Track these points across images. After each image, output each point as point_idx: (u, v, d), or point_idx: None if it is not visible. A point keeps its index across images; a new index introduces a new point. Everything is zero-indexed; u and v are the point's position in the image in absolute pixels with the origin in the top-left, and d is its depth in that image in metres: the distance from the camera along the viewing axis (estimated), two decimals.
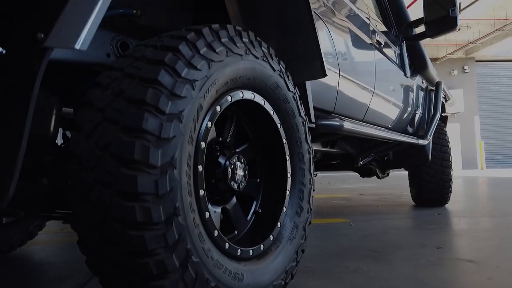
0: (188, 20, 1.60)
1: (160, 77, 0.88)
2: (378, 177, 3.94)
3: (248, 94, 1.19)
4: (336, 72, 1.99)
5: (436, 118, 3.41)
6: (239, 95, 1.15)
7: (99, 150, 0.86)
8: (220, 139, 1.23)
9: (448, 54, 16.45)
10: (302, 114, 1.41)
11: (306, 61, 1.56)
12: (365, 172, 3.99)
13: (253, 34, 1.21)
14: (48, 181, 1.22)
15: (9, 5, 0.71)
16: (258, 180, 1.36)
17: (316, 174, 3.40)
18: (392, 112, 2.96)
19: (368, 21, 2.50)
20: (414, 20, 3.14)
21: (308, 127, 1.45)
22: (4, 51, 0.70)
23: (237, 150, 1.28)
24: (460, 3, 12.67)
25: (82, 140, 0.89)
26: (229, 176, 1.16)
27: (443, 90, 3.82)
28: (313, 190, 1.45)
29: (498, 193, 5.41)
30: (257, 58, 1.19)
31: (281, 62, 1.34)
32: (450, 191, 3.67)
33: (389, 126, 3.05)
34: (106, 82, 0.94)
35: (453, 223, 2.80)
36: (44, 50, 0.63)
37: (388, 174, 4.05)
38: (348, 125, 1.94)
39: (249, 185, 1.28)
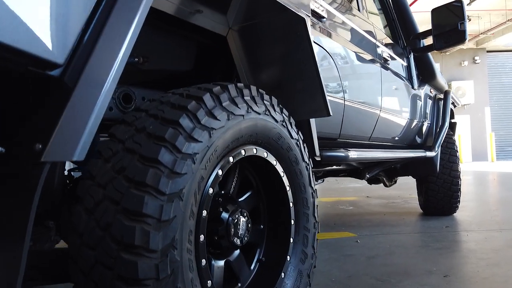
0: (190, 61, 1.59)
1: (160, 156, 0.88)
2: (386, 185, 3.92)
3: (251, 150, 1.18)
4: (341, 101, 1.97)
5: (444, 129, 3.37)
6: (241, 153, 1.14)
7: (100, 230, 0.86)
8: (223, 191, 1.23)
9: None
10: (306, 159, 1.40)
11: (310, 100, 1.55)
12: (372, 180, 3.97)
13: (255, 89, 1.20)
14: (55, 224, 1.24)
15: (9, 109, 0.71)
16: (262, 226, 1.36)
17: (323, 180, 3.39)
18: (399, 126, 2.93)
19: (374, 40, 2.46)
20: (422, 32, 3.08)
21: (313, 170, 1.44)
22: (3, 150, 0.71)
23: (240, 200, 1.28)
24: None
25: (84, 215, 0.89)
26: (232, 232, 1.16)
27: (452, 97, 3.77)
28: (318, 233, 1.45)
29: (508, 196, 5.36)
30: (259, 114, 1.18)
31: (284, 110, 1.33)
32: (459, 201, 3.64)
33: (396, 138, 3.03)
34: (107, 155, 0.94)
35: (461, 241, 2.79)
36: (42, 164, 0.63)
37: (395, 182, 4.02)
38: (353, 154, 1.93)
39: (253, 232, 1.28)
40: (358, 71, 2.22)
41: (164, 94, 1.09)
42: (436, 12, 2.92)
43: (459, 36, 2.77)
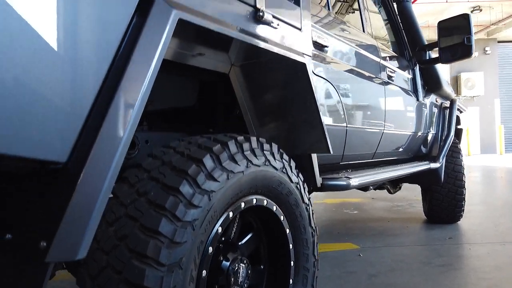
0: (193, 97, 1.61)
1: (161, 227, 0.91)
2: (390, 192, 3.93)
3: (250, 201, 1.21)
4: (343, 127, 1.98)
5: (449, 140, 3.35)
6: (241, 206, 1.17)
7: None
8: (223, 238, 1.26)
9: None
10: (306, 200, 1.42)
11: (310, 138, 1.57)
12: (376, 187, 3.98)
13: (255, 140, 1.22)
14: None
15: (14, 200, 0.74)
16: (262, 266, 1.39)
17: None
18: (403, 140, 2.93)
19: (378, 59, 2.45)
20: (428, 44, 3.06)
21: (312, 212, 1.46)
22: (10, 236, 0.74)
23: (241, 243, 1.31)
24: None
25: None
26: (232, 281, 1.19)
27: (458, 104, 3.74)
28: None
29: None
30: (259, 166, 1.20)
31: (284, 155, 1.34)
32: (463, 210, 3.65)
33: (401, 150, 3.03)
34: (110, 219, 0.97)
35: (463, 256, 2.81)
36: (46, 265, 0.66)
37: (400, 188, 4.03)
38: (355, 182, 1.94)
39: (253, 274, 1.31)
40: (361, 94, 2.22)
41: (166, 149, 1.11)
42: (443, 25, 2.89)
43: (465, 51, 2.75)
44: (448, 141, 3.34)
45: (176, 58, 1.32)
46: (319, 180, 1.73)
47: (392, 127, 2.61)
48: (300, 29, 1.44)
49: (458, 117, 3.91)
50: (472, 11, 14.74)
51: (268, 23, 1.24)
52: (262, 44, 1.21)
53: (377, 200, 5.29)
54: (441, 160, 3.24)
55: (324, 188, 1.82)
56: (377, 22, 3.28)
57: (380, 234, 3.44)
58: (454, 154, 3.61)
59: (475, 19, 15.30)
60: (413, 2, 12.73)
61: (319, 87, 1.76)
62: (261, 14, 1.19)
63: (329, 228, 3.78)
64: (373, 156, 2.52)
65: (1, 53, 0.63)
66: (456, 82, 16.58)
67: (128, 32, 0.84)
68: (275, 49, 1.26)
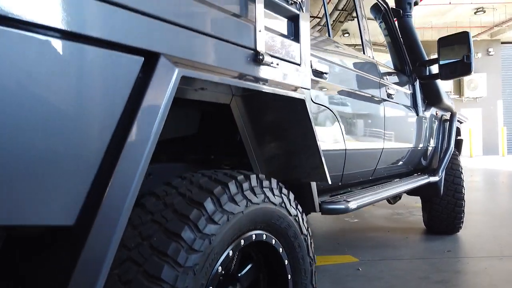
0: (195, 127, 1.65)
1: (164, 274, 0.95)
2: (390, 203, 3.97)
3: (250, 237, 1.25)
4: (342, 151, 2.01)
5: (448, 153, 3.38)
6: (241, 243, 1.21)
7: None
8: (223, 271, 1.30)
9: (472, 37, 15.86)
10: (305, 231, 1.46)
11: (309, 168, 1.60)
12: None
13: (254, 178, 1.25)
14: None
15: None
16: None
17: None
18: (403, 155, 2.97)
19: (377, 79, 2.48)
20: (428, 60, 3.09)
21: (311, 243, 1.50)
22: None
23: (241, 275, 1.35)
24: None
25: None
26: None
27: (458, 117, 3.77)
28: None
29: None
30: (258, 204, 1.23)
31: (283, 189, 1.38)
32: (462, 222, 3.68)
33: (400, 163, 3.06)
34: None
35: (460, 271, 2.84)
36: None
37: (400, 198, 4.06)
38: (353, 205, 1.97)
39: None
40: (360, 116, 2.25)
41: (168, 189, 1.15)
42: (443, 42, 2.92)
43: (465, 68, 2.78)
44: (447, 155, 3.37)
45: (179, 94, 1.35)
46: (318, 205, 1.77)
47: (392, 144, 2.65)
48: (299, 64, 1.47)
49: (458, 128, 3.94)
50: (475, 12, 14.69)
51: (268, 64, 1.28)
52: (263, 87, 1.24)
53: (378, 208, 5.33)
54: (440, 174, 3.27)
55: (322, 212, 1.86)
56: (376, 29, 3.31)
57: (380, 245, 3.48)
58: (454, 166, 3.63)
59: (478, 21, 15.31)
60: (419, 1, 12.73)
61: (317, 114, 1.80)
62: (261, 57, 1.23)
63: (330, 238, 3.83)
64: (373, 173, 2.56)
65: (8, 118, 0.66)
66: (459, 83, 16.56)
67: (132, 92, 0.87)
68: (276, 90, 1.29)
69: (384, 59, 3.27)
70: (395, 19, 3.13)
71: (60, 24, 0.72)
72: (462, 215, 3.63)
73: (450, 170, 3.61)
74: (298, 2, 1.43)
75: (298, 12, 1.46)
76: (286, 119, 1.57)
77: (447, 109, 3.65)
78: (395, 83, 2.82)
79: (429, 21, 15.12)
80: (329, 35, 2.06)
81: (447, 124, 3.59)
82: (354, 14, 2.64)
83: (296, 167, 1.64)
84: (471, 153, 16.03)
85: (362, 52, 2.43)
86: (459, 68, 2.80)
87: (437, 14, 14.59)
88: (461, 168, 3.69)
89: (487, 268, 2.82)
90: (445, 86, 3.92)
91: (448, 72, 2.87)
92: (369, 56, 2.54)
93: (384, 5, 3.06)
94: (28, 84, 0.69)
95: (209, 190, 1.12)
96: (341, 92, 2.02)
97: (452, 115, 3.59)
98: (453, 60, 2.83)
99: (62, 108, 0.74)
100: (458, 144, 4.03)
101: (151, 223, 1.05)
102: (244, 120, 1.62)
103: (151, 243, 1.00)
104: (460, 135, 4.09)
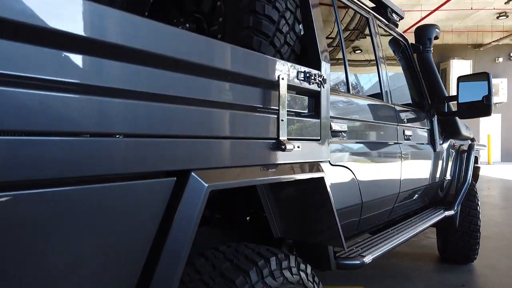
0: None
1: None
2: None
3: None
4: (358, 206, 2.05)
5: (465, 186, 3.37)
6: None
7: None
8: None
9: (493, 41, 15.55)
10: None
11: (327, 235, 1.65)
12: None
13: (293, 258, 1.31)
14: None
15: None
16: None
17: None
18: (419, 192, 2.98)
19: (395, 124, 2.50)
20: (448, 96, 3.08)
21: None
22: None
23: None
24: None
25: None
26: None
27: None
28: None
29: None
30: (293, 283, 1.29)
31: (301, 265, 1.43)
32: (477, 252, 3.68)
33: (416, 198, 3.08)
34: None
35: None
36: None
37: None
38: (368, 259, 2.02)
39: None
40: (377, 168, 2.28)
41: (217, 253, 1.23)
42: (463, 80, 2.91)
43: (484, 109, 2.78)
44: (464, 188, 3.36)
45: None
46: (333, 263, 1.82)
47: (409, 185, 2.66)
48: (319, 140, 1.52)
49: (476, 157, 3.91)
50: (497, 17, 14.39)
51: (290, 150, 1.32)
52: (285, 177, 1.29)
53: None
54: (456, 208, 3.27)
55: (338, 268, 1.91)
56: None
57: (393, 276, 3.50)
58: (470, 197, 3.61)
59: (500, 24, 14.98)
60: (440, 7, 12.43)
61: (335, 175, 1.83)
62: (283, 146, 1.27)
63: None
64: (389, 215, 2.58)
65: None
66: None
67: (165, 212, 0.93)
68: (297, 177, 1.34)
69: (394, 70, 3.19)
70: (414, 54, 3.13)
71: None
72: (477, 246, 3.62)
73: (466, 201, 3.59)
74: (319, 81, 1.47)
75: (319, 89, 1.50)
76: (306, 192, 1.61)
77: (465, 139, 3.63)
78: (413, 121, 2.83)
79: (449, 25, 14.86)
80: (348, 91, 2.09)
81: (465, 155, 3.57)
82: (366, 32, 2.64)
83: (313, 232, 1.69)
84: (489, 160, 15.76)
85: (377, 73, 2.44)
86: (478, 109, 2.79)
87: (458, 18, 14.33)
88: (478, 199, 3.67)
89: None
90: None
91: (466, 111, 2.87)
92: (381, 58, 2.53)
93: (404, 42, 3.07)
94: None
95: (254, 261, 1.18)
96: (359, 148, 2.05)
97: (470, 147, 3.56)
98: (472, 100, 2.82)
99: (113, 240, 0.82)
100: (475, 171, 4.00)
101: (199, 283, 1.13)
102: (269, 198, 1.65)
103: None
104: (477, 163, 4.05)
